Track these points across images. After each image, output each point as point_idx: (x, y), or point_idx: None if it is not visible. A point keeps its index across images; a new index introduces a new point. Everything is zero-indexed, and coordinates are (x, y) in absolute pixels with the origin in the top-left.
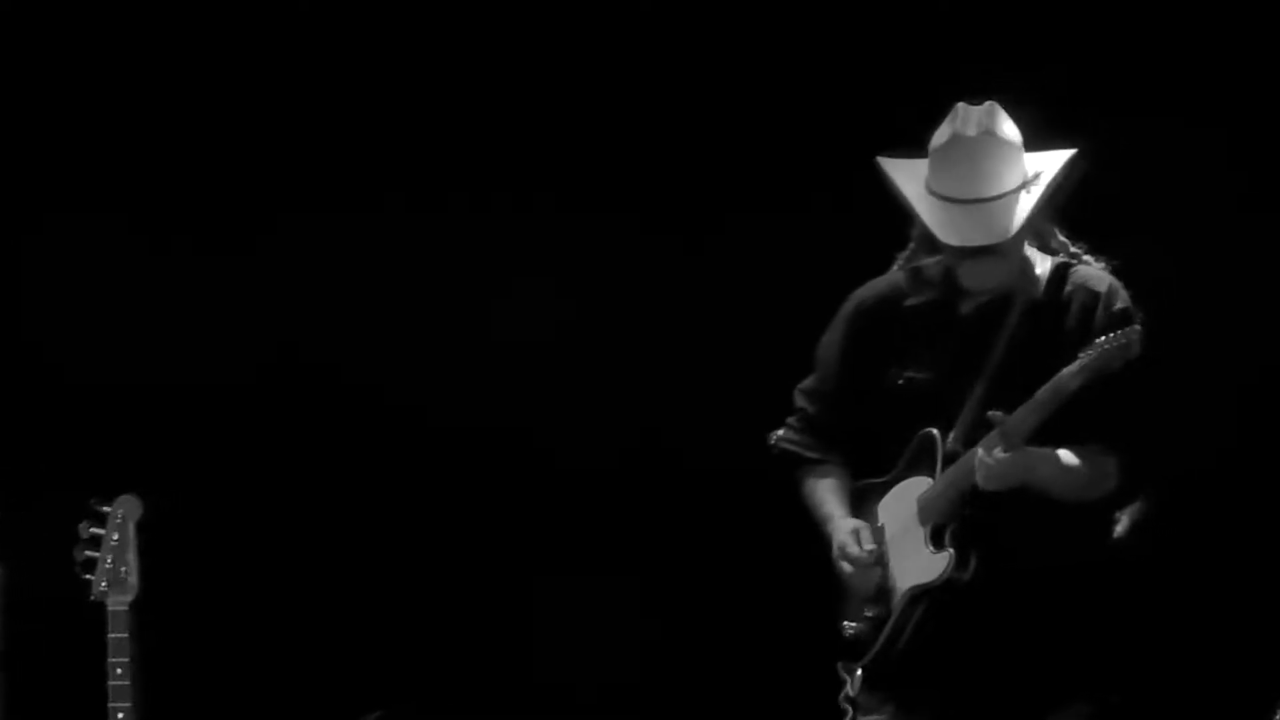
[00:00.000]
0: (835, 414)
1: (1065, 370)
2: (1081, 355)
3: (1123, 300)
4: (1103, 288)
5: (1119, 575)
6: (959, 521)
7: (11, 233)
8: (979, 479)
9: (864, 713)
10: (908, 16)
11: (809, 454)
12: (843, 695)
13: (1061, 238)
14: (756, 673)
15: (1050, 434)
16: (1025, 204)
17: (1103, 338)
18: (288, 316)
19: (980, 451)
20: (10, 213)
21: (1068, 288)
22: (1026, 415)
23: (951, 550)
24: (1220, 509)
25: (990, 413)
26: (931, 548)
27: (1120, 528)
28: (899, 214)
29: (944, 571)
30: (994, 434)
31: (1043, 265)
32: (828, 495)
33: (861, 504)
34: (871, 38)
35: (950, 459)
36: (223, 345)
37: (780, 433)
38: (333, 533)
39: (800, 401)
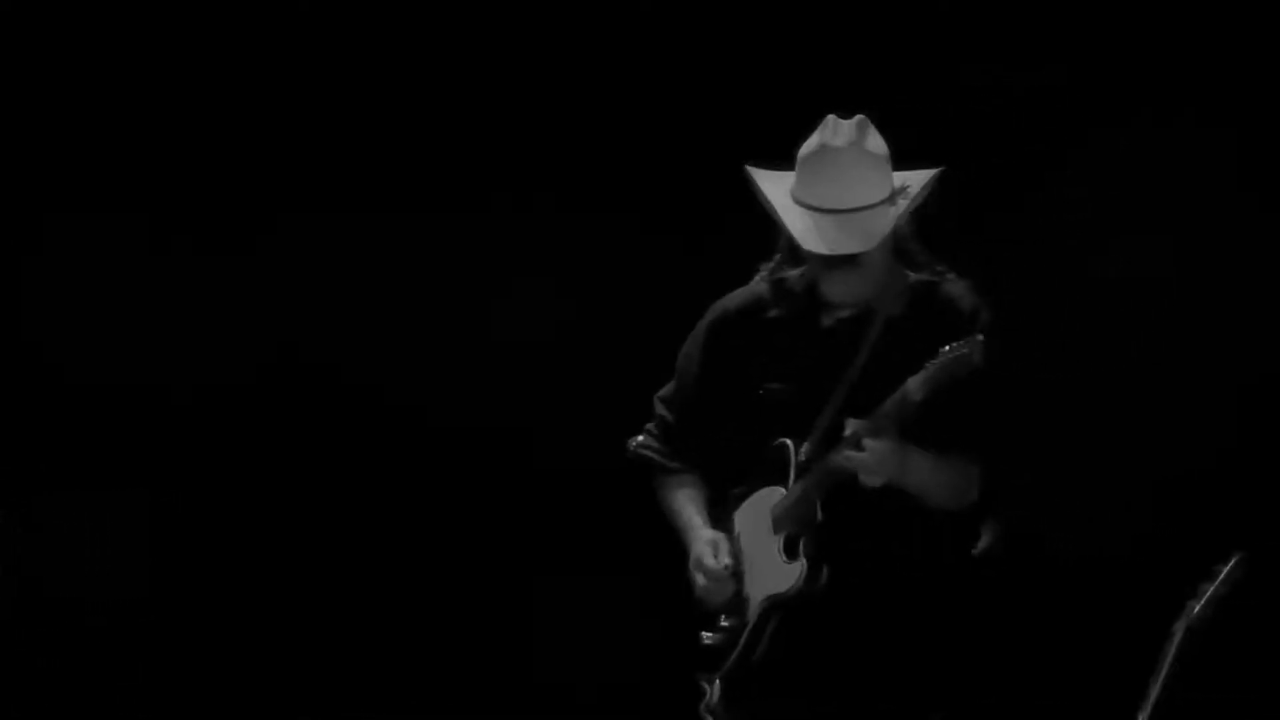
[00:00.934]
0: (693, 423)
1: (910, 380)
2: (926, 365)
3: (986, 319)
4: (966, 306)
5: (973, 587)
6: (811, 531)
7: (11, 233)
8: (861, 472)
9: None
10: (908, 16)
11: (667, 462)
12: (703, 706)
13: (925, 257)
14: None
15: (915, 441)
16: (890, 216)
17: (946, 347)
18: (288, 316)
19: (848, 444)
20: (10, 213)
21: (930, 305)
22: (878, 421)
23: (804, 560)
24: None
25: (847, 420)
26: (785, 558)
27: (980, 545)
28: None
29: (796, 582)
30: (860, 426)
31: (906, 282)
32: (685, 505)
33: (720, 515)
34: (872, 37)
35: (803, 469)
36: (223, 345)
37: (639, 439)
38: (333, 533)
39: (659, 409)
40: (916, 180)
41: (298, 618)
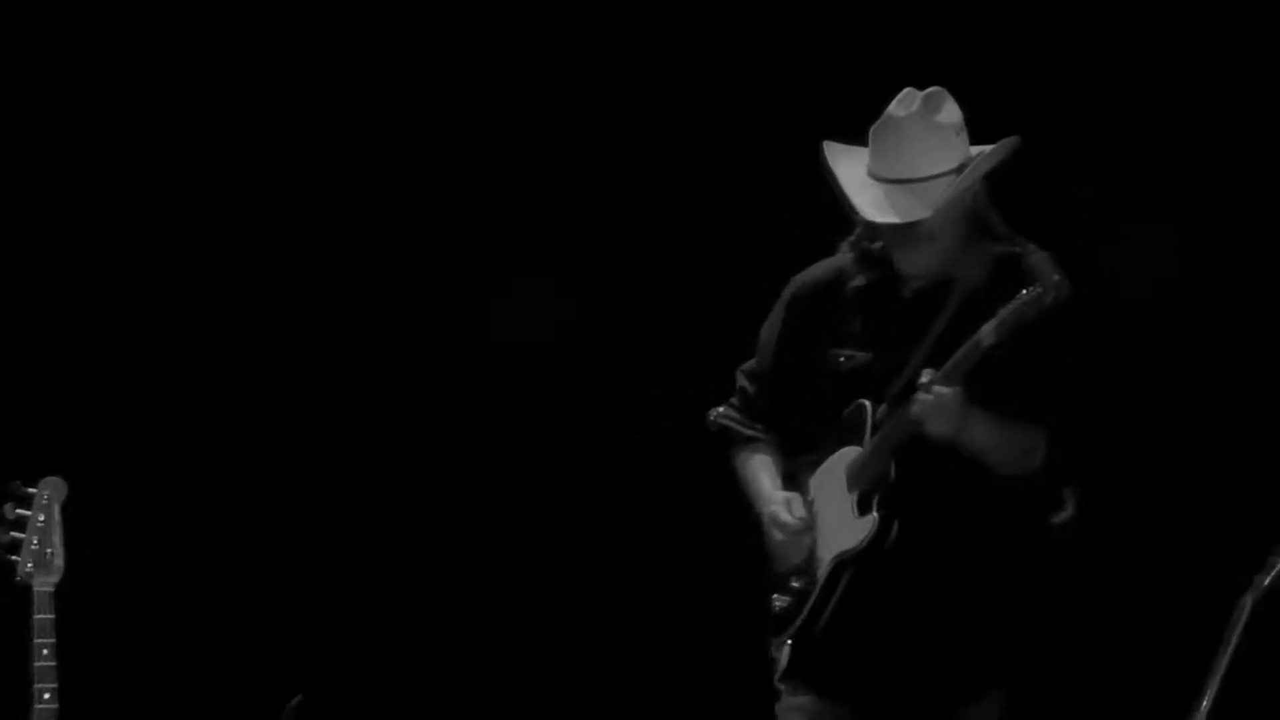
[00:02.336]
0: (773, 394)
1: (983, 326)
2: (999, 311)
3: (1066, 290)
4: (1050, 280)
5: (1044, 559)
6: (884, 488)
7: (11, 233)
8: (920, 417)
9: (788, 694)
10: (908, 16)
11: (744, 430)
12: (776, 677)
13: (1005, 229)
14: (756, 673)
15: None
16: (950, 187)
17: (1022, 291)
18: (288, 316)
19: (919, 393)
20: (10, 213)
21: (1011, 276)
22: (951, 370)
23: (876, 515)
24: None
25: (922, 372)
26: (856, 513)
27: (1061, 515)
28: None
29: (866, 536)
30: (931, 374)
31: (988, 253)
32: (760, 470)
33: (795, 481)
34: (871, 37)
35: (878, 424)
36: (223, 345)
37: (720, 409)
38: (333, 533)
39: (741, 381)
40: (989, 152)
41: (298, 618)
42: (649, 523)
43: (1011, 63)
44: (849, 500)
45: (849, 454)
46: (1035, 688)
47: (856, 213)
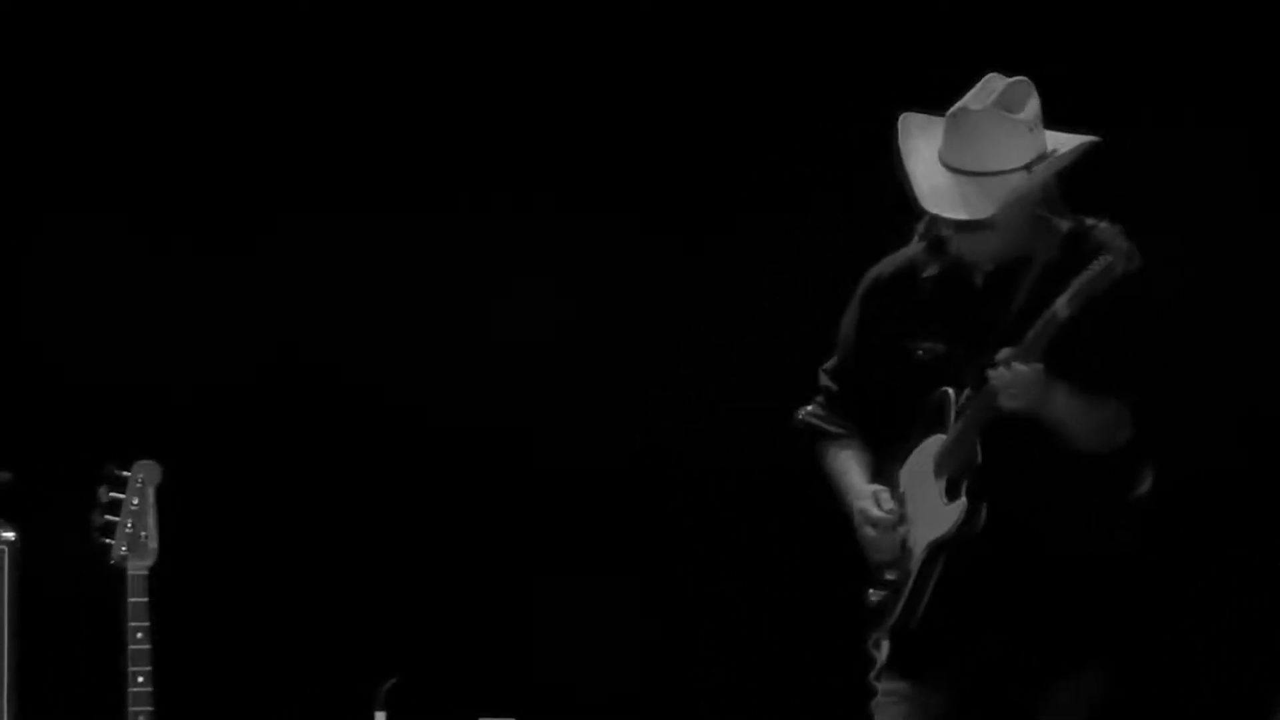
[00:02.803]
0: (857, 389)
1: (1058, 300)
2: (1072, 282)
3: (1139, 261)
4: (1120, 249)
5: (1134, 534)
6: (972, 472)
7: (11, 233)
8: (999, 393)
9: (886, 682)
10: (908, 16)
11: (830, 428)
12: (872, 674)
13: (1070, 214)
14: (756, 673)
15: (1063, 378)
16: (1021, 182)
17: (1094, 262)
18: (288, 316)
19: (998, 369)
20: (10, 213)
21: (1084, 250)
22: (1029, 346)
23: (964, 500)
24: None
25: (1000, 351)
26: (945, 499)
27: (1141, 488)
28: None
29: (956, 521)
30: (1009, 351)
31: (1056, 231)
32: (848, 465)
33: (883, 474)
34: (873, 37)
35: (961, 410)
36: (223, 345)
37: (807, 408)
38: (333, 533)
39: (824, 380)
40: (1066, 144)
41: (297, 618)
42: (649, 523)
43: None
44: (937, 487)
45: (935, 442)
46: (1136, 656)
47: (918, 202)
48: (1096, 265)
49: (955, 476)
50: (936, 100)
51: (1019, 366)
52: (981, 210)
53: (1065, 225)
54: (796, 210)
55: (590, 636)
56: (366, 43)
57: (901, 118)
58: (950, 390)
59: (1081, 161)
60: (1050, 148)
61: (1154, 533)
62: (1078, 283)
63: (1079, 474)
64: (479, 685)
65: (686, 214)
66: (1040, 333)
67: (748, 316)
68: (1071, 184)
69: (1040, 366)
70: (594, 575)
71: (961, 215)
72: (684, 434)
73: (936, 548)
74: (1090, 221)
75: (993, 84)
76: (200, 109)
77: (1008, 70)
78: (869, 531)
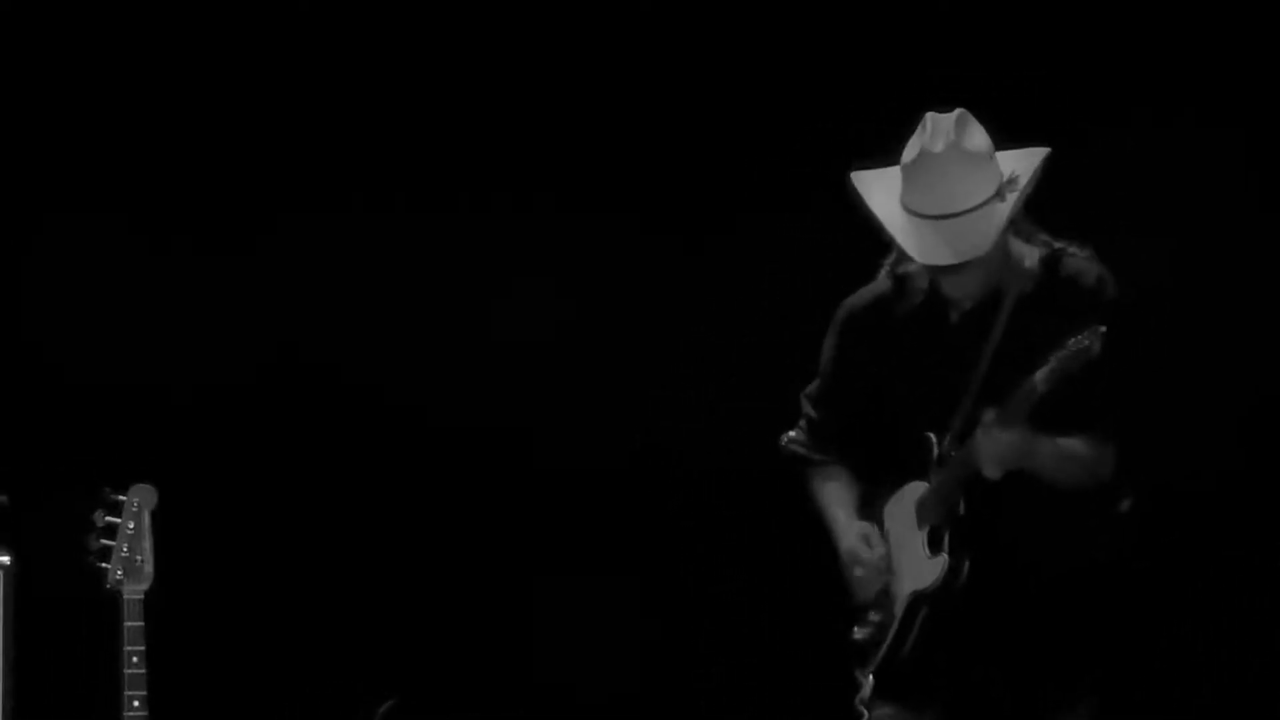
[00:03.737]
0: (836, 418)
1: (1037, 373)
2: (1051, 358)
3: (1112, 290)
4: (1092, 279)
5: (1117, 573)
6: (953, 524)
7: (11, 233)
8: (982, 463)
9: (875, 709)
10: (907, 16)
11: (814, 455)
12: (859, 699)
13: (1036, 231)
14: (756, 673)
15: (1045, 426)
16: (1000, 213)
17: (1071, 339)
18: (288, 316)
19: (979, 434)
20: (10, 213)
21: (1056, 281)
22: (1008, 415)
23: (946, 555)
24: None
25: (984, 411)
26: (928, 552)
27: (1123, 506)
28: None
29: (939, 577)
30: (990, 417)
31: (1031, 258)
32: (834, 499)
33: (867, 509)
34: (870, 37)
35: (943, 461)
36: (223, 345)
37: (791, 434)
38: (333, 533)
39: (806, 407)
40: (1023, 168)
41: (297, 618)
42: (649, 523)
43: (1014, 63)
44: (919, 537)
45: (917, 488)
46: (1127, 691)
47: (906, 254)
48: (1074, 345)
49: (937, 527)
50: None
51: (999, 434)
52: (973, 249)
53: (1037, 252)
54: (796, 210)
55: (590, 636)
56: (366, 43)
57: (853, 176)
58: (932, 436)
59: (1043, 174)
60: (1008, 171)
61: (1151, 538)
62: (1056, 359)
63: (1060, 508)
64: (479, 685)
65: (686, 214)
66: (1019, 402)
67: (748, 316)
68: (1044, 197)
69: (1021, 433)
70: (594, 575)
71: (953, 259)
72: (684, 434)
73: (918, 597)
74: (1060, 246)
75: (940, 123)
76: (200, 109)
77: (1009, 70)
78: (857, 571)
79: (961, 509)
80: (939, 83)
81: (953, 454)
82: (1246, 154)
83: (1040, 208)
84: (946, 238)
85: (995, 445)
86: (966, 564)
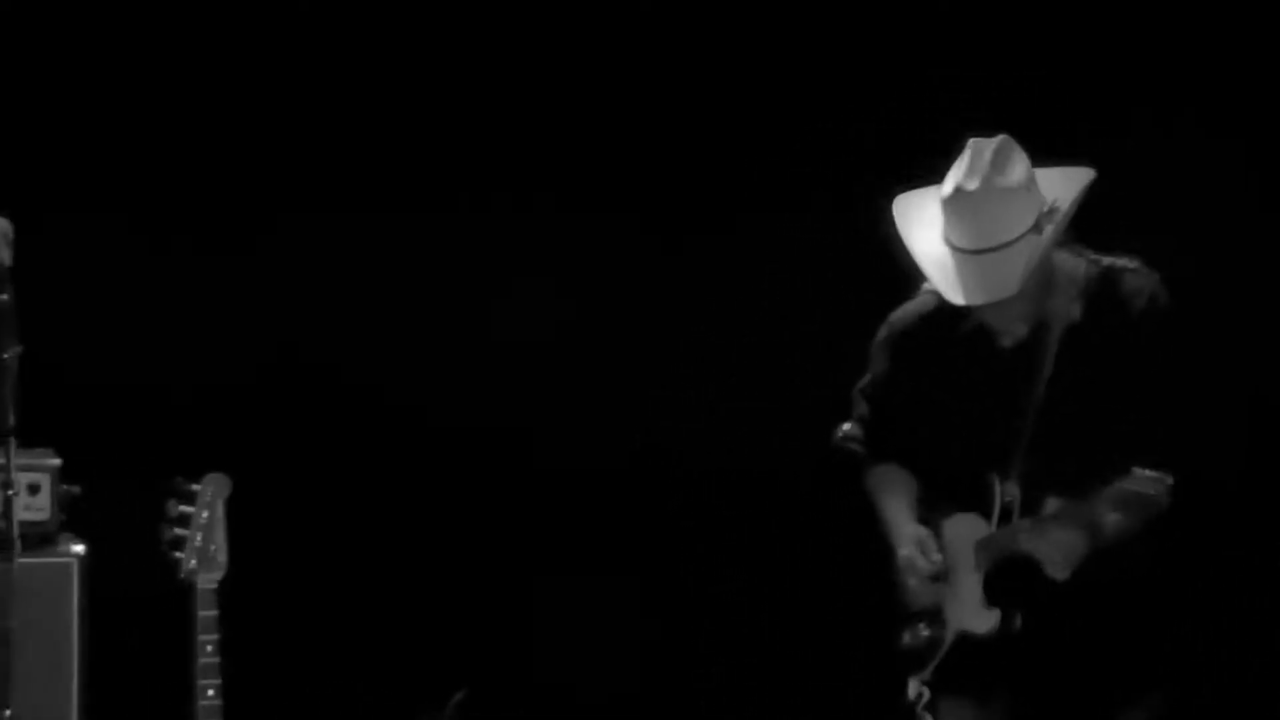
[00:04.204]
0: (887, 422)
1: (1105, 494)
2: (1120, 488)
3: (1164, 303)
4: (1143, 302)
5: (1169, 587)
6: (1011, 578)
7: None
8: (1048, 567)
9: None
10: (908, 15)
11: (868, 453)
12: (919, 708)
13: (1088, 252)
14: (756, 673)
15: (1100, 465)
16: (1036, 246)
17: (1141, 474)
18: (288, 316)
19: (1041, 537)
20: (10, 213)
21: (1108, 300)
22: (1069, 518)
23: (1000, 611)
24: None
25: (1047, 500)
26: (984, 598)
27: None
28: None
29: (993, 629)
30: (1051, 510)
31: (1078, 281)
32: (892, 501)
33: (926, 517)
34: (873, 36)
35: (1006, 506)
36: (223, 345)
37: (846, 428)
38: (332, 533)
39: (859, 405)
40: (1065, 194)
41: (297, 618)
42: (649, 523)
43: (1013, 62)
44: (976, 579)
45: (975, 525)
46: (1192, 673)
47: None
48: (1142, 486)
49: (994, 576)
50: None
51: (1059, 536)
52: (1004, 288)
53: (1082, 269)
54: (796, 210)
55: (590, 636)
56: (366, 43)
57: (896, 201)
58: (996, 479)
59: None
60: (1049, 199)
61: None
62: (1125, 493)
63: (1120, 560)
64: (479, 685)
65: (686, 214)
66: (1082, 515)
67: (747, 316)
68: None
69: (1080, 536)
70: (594, 575)
71: (988, 299)
72: (684, 434)
73: (968, 635)
74: (1108, 262)
75: (980, 154)
76: (200, 109)
77: (1006, 72)
78: (910, 581)
79: (1019, 567)
80: (939, 83)
81: (1016, 495)
82: (1246, 156)
83: None
84: (981, 273)
85: (1058, 549)
86: (1018, 618)
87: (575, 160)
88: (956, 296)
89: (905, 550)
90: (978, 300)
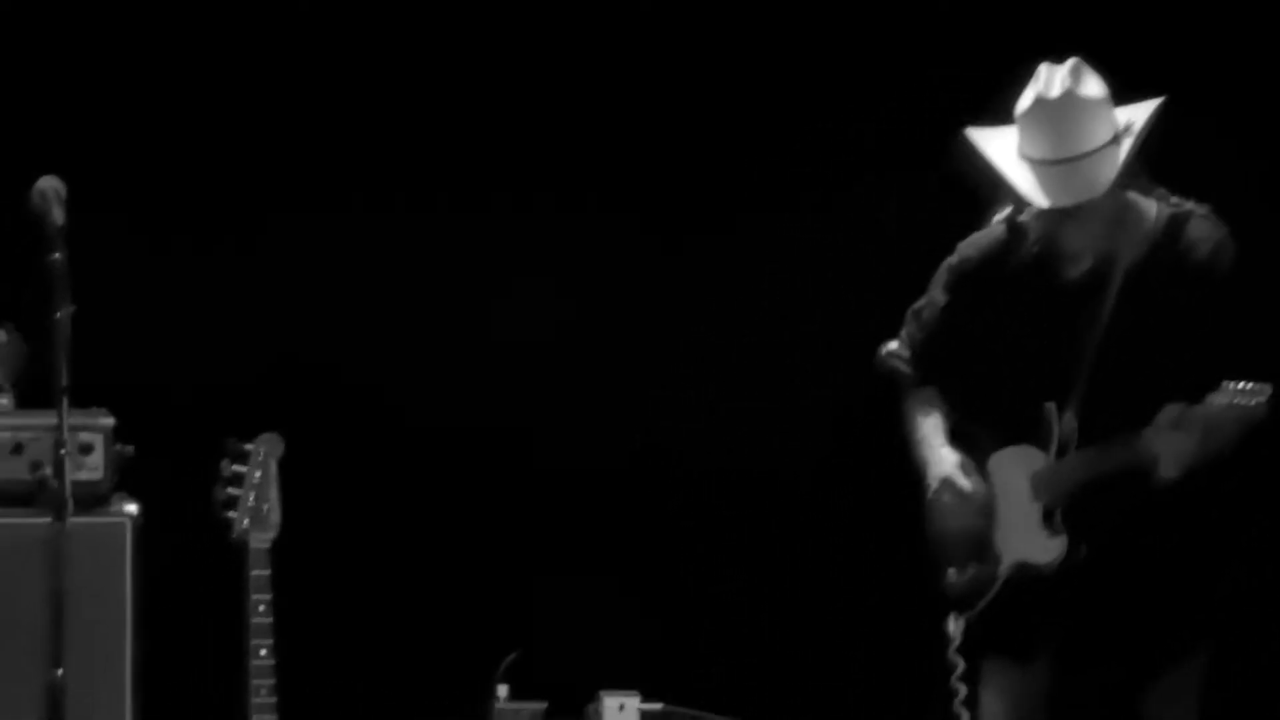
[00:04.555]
0: (938, 343)
1: (1213, 399)
2: (1230, 392)
3: (1226, 256)
4: (1209, 248)
5: (1228, 537)
6: (1077, 507)
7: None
8: (1162, 464)
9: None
10: (908, 14)
11: (913, 374)
12: (952, 649)
13: (1155, 186)
14: (756, 673)
15: (1160, 398)
16: (1116, 156)
17: (1234, 396)
18: (288, 316)
19: (1157, 435)
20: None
21: (1176, 243)
22: (1188, 423)
23: (1067, 538)
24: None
25: (1166, 405)
26: (1046, 529)
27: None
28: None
29: (1057, 558)
30: (1170, 416)
31: (1151, 215)
32: (929, 424)
33: (967, 446)
34: (873, 36)
35: (1065, 437)
36: (222, 345)
37: (892, 347)
38: (332, 533)
39: (910, 324)
40: (1140, 115)
41: (296, 618)
42: (649, 523)
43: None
44: (1034, 509)
45: (1031, 456)
46: (1236, 642)
47: (1024, 199)
48: (1248, 395)
49: (1057, 506)
50: (935, 101)
51: (1182, 439)
52: (1091, 189)
53: (1154, 210)
54: (796, 210)
55: (590, 636)
56: (366, 43)
57: (968, 133)
58: (1053, 407)
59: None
60: (1123, 121)
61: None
62: (1235, 397)
63: (1185, 499)
64: (479, 685)
65: (686, 214)
66: (1198, 417)
67: (747, 316)
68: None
69: (1197, 439)
70: (594, 575)
71: (1074, 200)
72: (684, 434)
73: (1027, 570)
74: (1176, 201)
75: (1051, 73)
76: (200, 109)
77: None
78: (946, 498)
79: (1088, 493)
80: (939, 83)
81: (1075, 428)
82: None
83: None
84: (1064, 181)
85: (1177, 448)
86: (1084, 549)
87: (575, 160)
88: (1041, 200)
89: (944, 468)
90: (1064, 201)
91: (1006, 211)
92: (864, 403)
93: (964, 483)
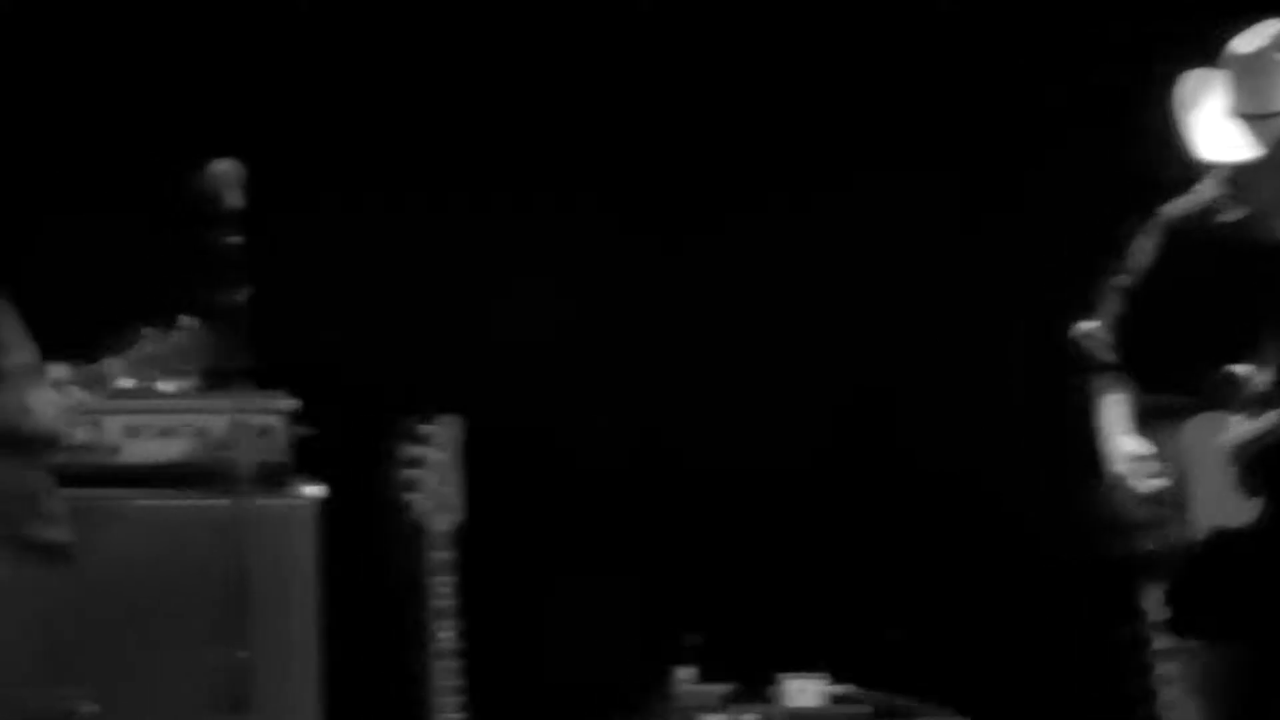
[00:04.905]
0: (1142, 316)
1: None
2: None
3: None
4: None
5: None
6: (1274, 468)
7: (11, 233)
8: None
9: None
10: (910, 15)
11: (1108, 357)
12: (1149, 621)
13: None
14: (756, 673)
15: None
16: None
17: None
18: (287, 316)
19: None
20: (10, 213)
21: None
22: None
23: (1266, 499)
24: None
25: None
26: (1243, 490)
27: None
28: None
29: (1256, 518)
30: None
31: None
32: (1116, 418)
33: (1153, 421)
34: (873, 36)
35: (1263, 399)
36: (403, 327)
37: (1091, 326)
38: (331, 533)
39: (1109, 298)
40: None
41: (477, 601)
42: (649, 523)
43: (1011, 57)
44: (1228, 473)
45: (1220, 422)
46: None
47: (1232, 157)
48: None
49: (1251, 469)
50: (935, 100)
51: None
52: (1255, 147)
53: None
54: (796, 210)
55: (590, 636)
56: (367, 43)
57: (1183, 77)
58: (1243, 369)
59: None
60: None
61: None
62: None
63: None
64: (478, 685)
65: (686, 214)
66: None
67: (747, 316)
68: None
69: None
70: (594, 575)
71: (1238, 157)
72: (684, 434)
73: (1225, 535)
74: None
75: (1267, 27)
76: (200, 109)
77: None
78: (1127, 490)
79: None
80: (938, 82)
81: (1270, 392)
82: None
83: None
84: (1247, 137)
85: None
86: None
87: (575, 160)
88: (1208, 152)
89: (1121, 466)
90: (1230, 157)
91: (1209, 176)
92: (864, 403)
93: (1139, 478)
